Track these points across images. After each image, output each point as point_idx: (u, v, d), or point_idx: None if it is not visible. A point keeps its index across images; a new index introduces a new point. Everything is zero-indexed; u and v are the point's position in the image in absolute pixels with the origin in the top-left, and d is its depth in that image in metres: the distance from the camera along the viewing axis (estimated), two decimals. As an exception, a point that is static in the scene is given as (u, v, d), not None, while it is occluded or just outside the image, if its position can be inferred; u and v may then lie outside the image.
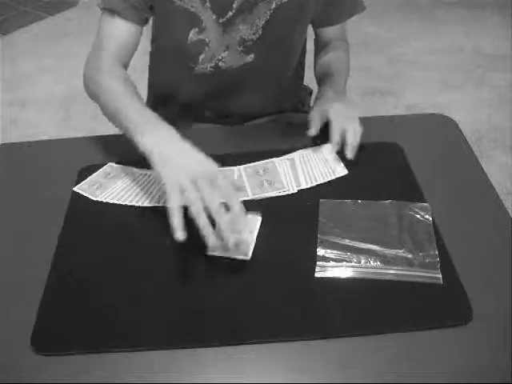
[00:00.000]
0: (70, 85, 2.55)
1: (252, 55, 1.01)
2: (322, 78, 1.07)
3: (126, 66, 1.00)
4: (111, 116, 0.90)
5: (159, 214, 0.85)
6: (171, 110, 1.16)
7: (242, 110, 1.12)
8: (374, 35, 2.89)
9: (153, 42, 1.12)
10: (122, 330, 0.68)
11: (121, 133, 0.90)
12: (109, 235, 0.82)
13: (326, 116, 0.93)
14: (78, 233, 0.83)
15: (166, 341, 0.67)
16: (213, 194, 0.70)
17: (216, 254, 0.76)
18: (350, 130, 0.91)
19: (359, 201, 0.83)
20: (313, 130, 0.91)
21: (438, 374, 0.62)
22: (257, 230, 0.79)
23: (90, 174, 0.93)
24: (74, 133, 2.28)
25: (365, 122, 1.07)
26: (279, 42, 1.02)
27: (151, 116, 0.84)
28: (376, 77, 2.56)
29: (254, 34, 0.98)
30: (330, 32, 1.11)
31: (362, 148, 0.95)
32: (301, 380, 0.63)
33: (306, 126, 0.92)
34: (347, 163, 0.92)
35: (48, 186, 0.93)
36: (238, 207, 0.69)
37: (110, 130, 0.99)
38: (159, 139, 0.80)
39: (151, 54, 1.16)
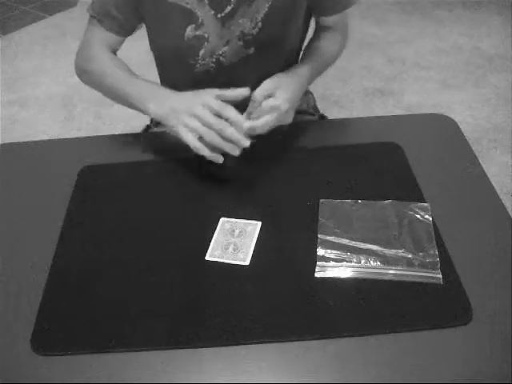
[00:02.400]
0: (69, 85, 2.55)
1: (252, 48, 1.01)
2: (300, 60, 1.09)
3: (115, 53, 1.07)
4: (114, 98, 1.00)
5: (158, 217, 0.85)
6: None
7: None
8: (374, 35, 2.89)
9: (151, 45, 1.11)
10: (121, 330, 0.68)
11: (121, 133, 0.90)
12: (108, 236, 0.82)
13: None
14: (78, 233, 0.83)
15: (165, 341, 0.67)
16: (210, 120, 0.81)
17: (215, 259, 0.76)
18: (277, 97, 0.87)
19: (359, 201, 0.83)
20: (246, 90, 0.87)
21: (438, 374, 0.62)
22: (256, 236, 0.79)
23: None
24: (76, 132, 2.28)
25: (365, 122, 1.08)
26: (279, 34, 1.02)
27: (147, 85, 0.95)
28: (376, 77, 2.56)
29: (253, 28, 0.98)
30: (326, 21, 1.10)
31: (362, 148, 0.95)
32: (301, 380, 0.63)
33: (309, 127, 0.92)
34: (348, 164, 0.92)
35: (48, 185, 0.93)
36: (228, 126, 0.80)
37: (113, 129, 0.99)
38: (160, 103, 0.90)
39: (155, 59, 1.15)
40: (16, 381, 0.64)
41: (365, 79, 2.55)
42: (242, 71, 1.04)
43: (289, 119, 0.94)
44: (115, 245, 0.80)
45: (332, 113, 2.25)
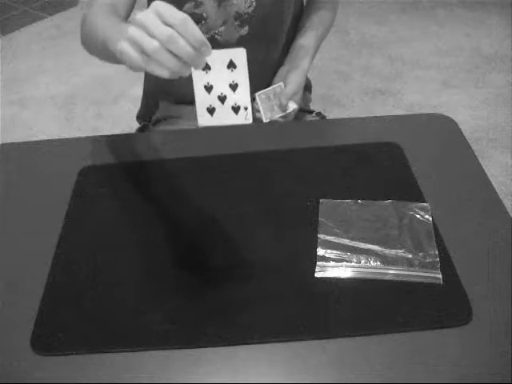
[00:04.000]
0: (70, 85, 2.55)
1: (246, 27, 1.03)
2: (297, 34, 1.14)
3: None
4: (99, 51, 0.84)
5: (159, 218, 0.85)
6: (168, 107, 1.16)
7: None
8: (374, 35, 2.89)
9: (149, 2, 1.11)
10: (121, 329, 0.68)
11: (121, 133, 0.90)
12: (108, 237, 0.82)
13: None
14: (78, 233, 0.83)
15: (165, 341, 0.67)
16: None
17: (209, 123, 0.63)
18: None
19: (359, 201, 0.83)
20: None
21: (438, 373, 0.62)
22: (245, 69, 0.62)
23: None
24: (76, 132, 2.28)
25: (365, 122, 1.08)
26: (271, 11, 1.04)
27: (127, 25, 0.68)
28: (376, 77, 2.56)
29: (248, 7, 1.00)
30: None
31: (362, 148, 0.95)
32: (301, 380, 0.63)
33: (309, 127, 0.92)
34: (348, 164, 0.92)
35: (48, 186, 0.93)
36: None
37: (114, 129, 0.99)
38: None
39: None
40: (16, 381, 0.64)
41: (365, 79, 2.55)
42: None
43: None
44: (115, 245, 0.80)
45: (332, 113, 2.26)
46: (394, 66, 2.63)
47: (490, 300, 0.69)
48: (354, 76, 2.57)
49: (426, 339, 0.65)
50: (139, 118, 1.28)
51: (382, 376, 0.62)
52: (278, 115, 1.04)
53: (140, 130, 1.24)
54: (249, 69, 1.07)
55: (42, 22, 3.21)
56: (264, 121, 1.02)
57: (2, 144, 1.10)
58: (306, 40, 1.11)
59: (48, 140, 1.11)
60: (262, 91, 1.04)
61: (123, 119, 2.27)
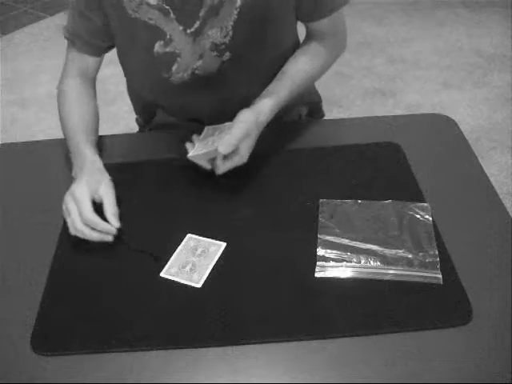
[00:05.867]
0: (70, 85, 2.55)
1: (227, 53, 0.97)
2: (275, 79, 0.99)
3: (92, 80, 1.07)
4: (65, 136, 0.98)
5: (158, 218, 0.85)
6: (165, 116, 1.14)
7: (237, 109, 0.93)
8: (375, 35, 2.89)
9: (120, 59, 1.07)
10: (121, 330, 0.68)
11: (121, 133, 0.90)
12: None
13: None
14: (78, 233, 0.83)
15: (165, 341, 0.67)
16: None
17: (168, 277, 0.74)
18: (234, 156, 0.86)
19: (359, 201, 0.83)
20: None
21: (438, 373, 0.62)
22: (216, 259, 0.76)
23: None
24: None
25: (365, 122, 1.08)
26: (252, 37, 0.97)
27: (80, 157, 0.91)
28: (376, 77, 2.56)
29: (224, 36, 0.94)
30: (314, 27, 1.01)
31: (361, 148, 0.96)
32: (301, 380, 0.63)
33: (309, 127, 0.92)
34: (347, 164, 0.92)
35: (48, 185, 0.93)
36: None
37: (113, 128, 0.99)
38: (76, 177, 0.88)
39: (123, 69, 1.11)
40: (16, 381, 0.64)
41: (365, 79, 2.55)
42: (220, 78, 1.00)
43: (244, 160, 0.88)
44: (115, 245, 0.80)
45: (332, 113, 2.26)
46: (394, 66, 2.63)
47: (489, 300, 0.69)
48: (355, 76, 2.57)
49: (426, 339, 0.65)
50: (138, 120, 1.27)
51: (382, 376, 0.62)
52: (201, 152, 0.87)
53: (140, 131, 1.24)
54: (233, 91, 1.01)
55: (42, 22, 3.21)
56: (188, 155, 0.89)
57: (2, 144, 1.10)
58: (276, 87, 0.95)
59: (48, 140, 1.11)
60: (212, 126, 0.94)
61: (122, 119, 2.27)
